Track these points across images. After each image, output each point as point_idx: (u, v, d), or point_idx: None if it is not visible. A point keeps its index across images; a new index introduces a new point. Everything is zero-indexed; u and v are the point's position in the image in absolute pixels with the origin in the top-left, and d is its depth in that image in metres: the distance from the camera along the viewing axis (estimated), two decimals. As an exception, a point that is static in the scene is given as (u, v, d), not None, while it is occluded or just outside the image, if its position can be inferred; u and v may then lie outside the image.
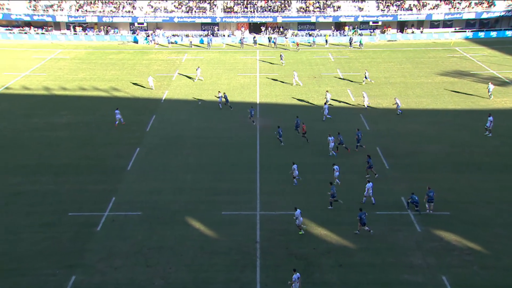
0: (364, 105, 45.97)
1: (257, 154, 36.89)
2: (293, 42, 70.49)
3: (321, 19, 72.92)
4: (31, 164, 34.99)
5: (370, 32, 74.94)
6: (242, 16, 72.84)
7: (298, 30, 75.55)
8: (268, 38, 70.65)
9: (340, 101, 47.62)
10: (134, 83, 52.72)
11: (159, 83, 52.84)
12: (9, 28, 74.38)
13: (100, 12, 72.84)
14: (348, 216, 28.90)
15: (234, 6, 73.87)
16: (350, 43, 69.54)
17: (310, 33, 74.30)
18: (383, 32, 75.14)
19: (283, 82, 53.67)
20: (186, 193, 31.49)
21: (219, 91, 46.72)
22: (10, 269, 24.35)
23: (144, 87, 51.58)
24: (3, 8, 72.05)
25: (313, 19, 73.01)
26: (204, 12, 73.30)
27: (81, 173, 33.88)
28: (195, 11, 73.28)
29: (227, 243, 26.63)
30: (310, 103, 47.35)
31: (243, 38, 70.92)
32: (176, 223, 28.33)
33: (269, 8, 73.69)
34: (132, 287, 23.39)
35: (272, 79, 54.64)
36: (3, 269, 24.39)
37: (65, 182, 32.66)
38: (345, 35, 73.36)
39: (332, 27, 74.90)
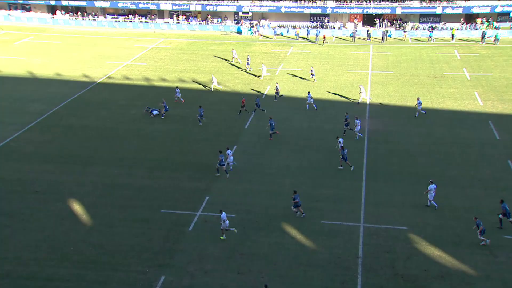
0: (361, 101, 46.22)
1: (364, 159, 36.27)
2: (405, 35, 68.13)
3: (448, 10, 69.75)
4: (128, 157, 37.34)
5: (511, 25, 70.14)
6: (356, 7, 71.89)
7: (420, 22, 73.00)
8: (385, 31, 69.03)
9: (463, 106, 45.40)
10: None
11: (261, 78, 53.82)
12: (115, 16, 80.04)
13: (205, 0, 75.77)
14: (467, 236, 27.48)
15: (347, -5, 73.20)
16: (483, 38, 65.76)
17: (434, 27, 71.41)
18: (527, 25, 69.98)
19: (397, 81, 52.29)
20: (283, 197, 31.77)
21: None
22: (104, 262, 26.21)
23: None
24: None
25: (438, 11, 70.06)
26: (314, 2, 73.40)
27: (176, 169, 35.52)
28: (304, 0, 73.64)
29: (325, 255, 26.50)
30: (427, 107, 45.62)
31: (356, 31, 69.97)
32: (271, 229, 28.71)
33: (387, -3, 72.07)
34: (221, 294, 24.14)
35: (386, 77, 53.47)
36: (98, 261, 26.33)
37: (159, 178, 34.44)
38: (476, 29, 69.53)
39: (462, 19, 71.31)
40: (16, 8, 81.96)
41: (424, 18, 72.93)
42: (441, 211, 29.78)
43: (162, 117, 43.62)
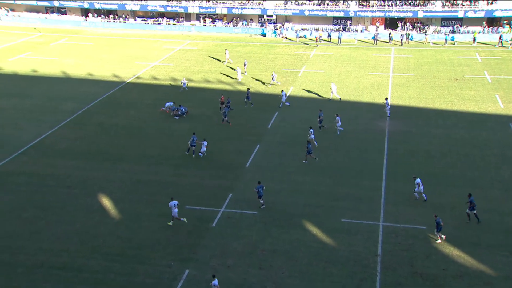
0: (332, 97, 47.12)
1: (384, 160, 35.92)
2: (417, 37, 67.20)
3: (470, 14, 68.54)
4: (154, 154, 37.63)
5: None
6: (378, 10, 71.21)
7: (441, 26, 71.91)
8: (407, 34, 68.34)
9: (484, 108, 44.64)
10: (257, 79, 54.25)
11: (284, 79, 53.71)
12: (145, 18, 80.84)
13: (230, 3, 75.99)
14: (486, 236, 27.02)
15: (370, -1, 72.58)
16: (500, 41, 64.45)
17: (454, 30, 70.24)
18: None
19: (418, 83, 51.67)
20: (304, 195, 31.68)
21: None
22: (131, 255, 26.46)
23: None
24: None
25: (460, 14, 68.89)
26: (337, 5, 72.95)
27: (200, 166, 35.66)
28: (327, 4, 73.27)
29: (345, 253, 26.32)
30: (448, 109, 44.96)
31: (377, 34, 69.33)
32: (292, 226, 28.64)
33: (409, 1, 71.08)
34: (243, 288, 24.17)
35: (406, 79, 52.86)
36: (125, 254, 26.59)
37: (184, 175, 34.63)
38: (498, 32, 68.19)
39: (484, 22, 69.96)
40: (52, 12, 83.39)
41: (446, 21, 71.80)
42: (460, 211, 29.31)
43: (179, 116, 44.08)
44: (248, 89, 47.44)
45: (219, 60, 60.87)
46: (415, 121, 42.20)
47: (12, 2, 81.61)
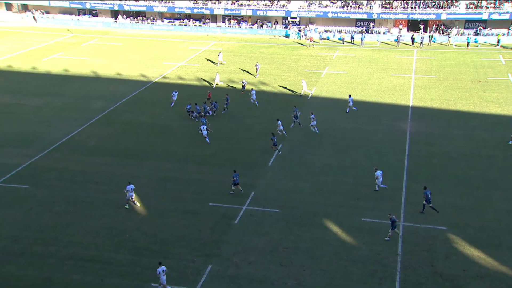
0: (303, 93, 48.28)
1: (405, 160, 35.53)
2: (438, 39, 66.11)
3: (495, 16, 67.24)
4: (179, 152, 37.90)
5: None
6: (401, 13, 70.38)
7: (465, 28, 70.69)
8: (429, 36, 67.44)
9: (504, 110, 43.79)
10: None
11: (307, 79, 53.48)
12: (172, 20, 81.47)
13: (255, 5, 76.01)
14: (508, 238, 26.54)
15: (393, 2, 71.71)
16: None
17: (478, 32, 68.99)
18: None
19: (440, 85, 50.93)
20: (325, 195, 31.55)
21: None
22: (156, 250, 26.72)
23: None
24: (168, 2, 79.06)
25: (484, 16, 67.65)
26: (360, 8, 72.37)
27: (224, 165, 35.76)
28: (350, 6, 72.74)
29: (365, 252, 26.13)
30: (470, 111, 44.22)
31: (400, 36, 68.55)
32: (313, 225, 28.55)
33: (432, 4, 70.07)
34: (264, 285, 24.13)
35: (429, 81, 52.16)
36: (150, 249, 26.87)
37: (208, 173, 34.79)
38: (521, 35, 66.82)
39: None
40: (84, 14, 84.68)
41: (469, 24, 70.56)
42: (481, 212, 28.87)
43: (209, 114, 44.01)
44: (227, 95, 46.69)
45: (213, 63, 60.92)
46: (436, 122, 41.64)
47: (47, 4, 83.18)
